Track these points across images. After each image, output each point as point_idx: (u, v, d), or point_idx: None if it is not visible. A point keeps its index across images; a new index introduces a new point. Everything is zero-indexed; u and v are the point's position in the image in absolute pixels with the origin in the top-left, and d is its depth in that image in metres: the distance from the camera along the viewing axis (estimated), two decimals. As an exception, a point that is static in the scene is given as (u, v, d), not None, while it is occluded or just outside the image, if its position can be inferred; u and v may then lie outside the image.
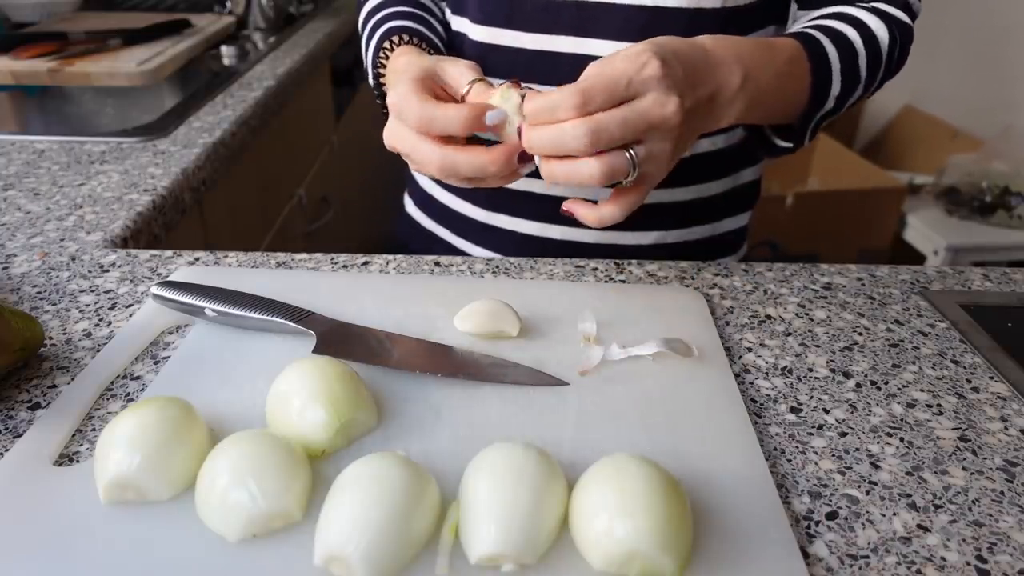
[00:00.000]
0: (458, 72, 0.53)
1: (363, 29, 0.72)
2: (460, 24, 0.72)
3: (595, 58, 0.63)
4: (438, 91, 0.53)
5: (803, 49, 0.59)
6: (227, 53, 1.40)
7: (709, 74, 0.51)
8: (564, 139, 0.46)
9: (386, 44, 0.64)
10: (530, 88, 0.50)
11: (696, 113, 0.50)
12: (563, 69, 0.64)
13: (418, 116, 0.50)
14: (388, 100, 0.53)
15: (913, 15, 0.68)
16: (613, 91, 0.46)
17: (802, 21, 0.67)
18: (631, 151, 0.47)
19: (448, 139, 0.51)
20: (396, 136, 0.53)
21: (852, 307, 0.62)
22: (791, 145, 0.64)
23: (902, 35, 0.66)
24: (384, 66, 0.64)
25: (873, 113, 2.68)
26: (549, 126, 0.46)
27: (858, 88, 0.63)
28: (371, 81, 0.68)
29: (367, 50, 0.69)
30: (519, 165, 0.50)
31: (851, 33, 0.62)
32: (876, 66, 0.63)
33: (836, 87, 0.61)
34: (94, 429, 0.46)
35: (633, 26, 0.63)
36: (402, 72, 0.54)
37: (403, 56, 0.60)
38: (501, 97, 0.50)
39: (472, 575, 0.37)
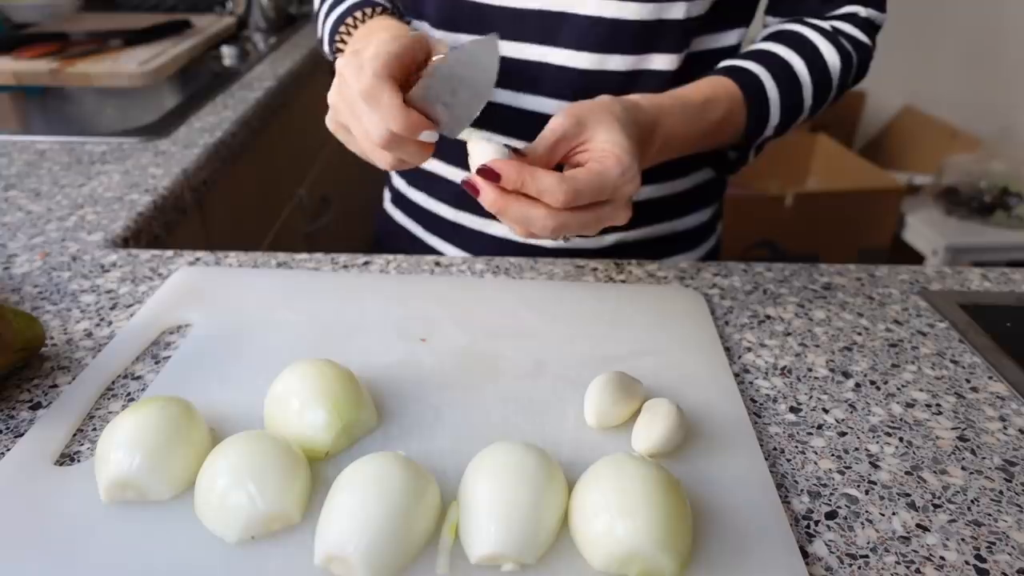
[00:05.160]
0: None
1: (320, 4, 0.72)
2: (421, 28, 0.72)
3: (559, 67, 0.65)
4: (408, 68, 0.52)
5: (738, 88, 0.62)
6: (227, 53, 1.40)
7: (647, 136, 0.55)
8: (532, 222, 0.47)
9: (348, 20, 0.65)
10: (509, 146, 0.49)
11: None
12: (528, 75, 0.66)
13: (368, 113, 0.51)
14: (344, 63, 0.54)
15: (875, 28, 0.69)
16: (597, 199, 0.48)
17: (764, 31, 0.70)
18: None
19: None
20: (342, 103, 0.55)
21: (852, 307, 0.62)
22: (735, 157, 0.69)
23: (859, 54, 0.67)
24: (345, 41, 0.65)
25: (873, 113, 2.68)
26: (522, 203, 0.47)
27: (803, 114, 0.66)
28: (328, 51, 0.69)
29: (324, 24, 0.69)
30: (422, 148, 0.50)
31: (797, 63, 0.64)
32: (824, 92, 0.66)
33: (775, 119, 0.64)
34: (95, 429, 0.46)
35: (594, 37, 0.64)
36: (372, 48, 0.53)
37: (377, 29, 0.62)
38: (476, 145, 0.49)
39: (472, 575, 0.37)
